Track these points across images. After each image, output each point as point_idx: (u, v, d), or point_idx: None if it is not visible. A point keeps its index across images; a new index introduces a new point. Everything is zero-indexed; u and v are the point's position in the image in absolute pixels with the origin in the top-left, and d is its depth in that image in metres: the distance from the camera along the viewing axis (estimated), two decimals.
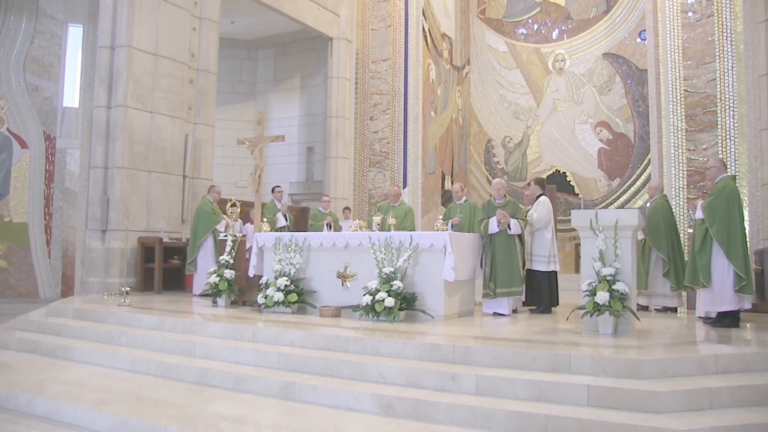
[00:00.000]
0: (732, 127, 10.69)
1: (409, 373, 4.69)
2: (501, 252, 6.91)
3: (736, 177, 6.65)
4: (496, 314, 6.98)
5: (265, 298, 7.15)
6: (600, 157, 14.84)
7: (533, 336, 5.58)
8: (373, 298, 6.38)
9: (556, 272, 7.45)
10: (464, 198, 8.34)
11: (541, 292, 7.33)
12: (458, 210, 8.09)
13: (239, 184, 14.23)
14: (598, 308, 5.36)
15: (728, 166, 10.63)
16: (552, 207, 7.46)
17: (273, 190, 9.84)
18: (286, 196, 14.34)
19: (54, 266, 12.14)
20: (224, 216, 8.99)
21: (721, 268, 5.90)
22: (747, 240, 6.11)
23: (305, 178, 14.63)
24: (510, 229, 6.89)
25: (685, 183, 10.89)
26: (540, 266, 7.27)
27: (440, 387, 4.52)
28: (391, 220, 7.32)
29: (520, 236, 7.01)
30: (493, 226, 6.91)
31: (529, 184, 8.17)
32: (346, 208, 12.16)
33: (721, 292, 5.92)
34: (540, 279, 7.34)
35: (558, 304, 7.55)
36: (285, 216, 9.42)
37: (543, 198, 7.46)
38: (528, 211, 7.43)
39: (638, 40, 14.22)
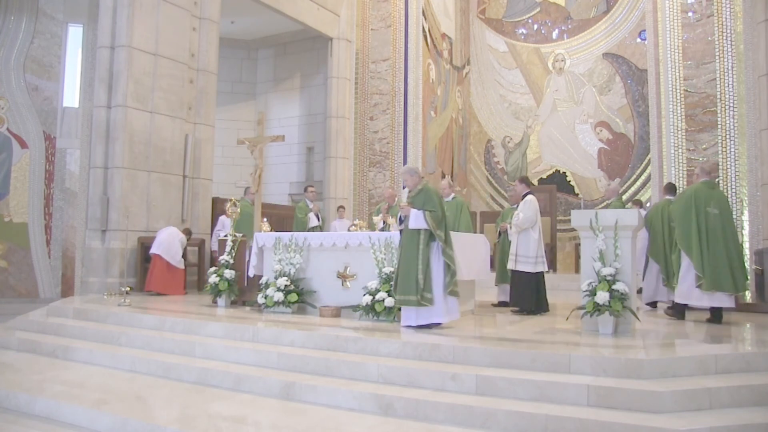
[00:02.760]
0: (732, 127, 10.70)
1: (409, 373, 4.69)
2: (403, 251, 5.99)
3: (713, 182, 6.89)
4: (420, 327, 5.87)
5: (265, 298, 7.15)
6: (600, 157, 14.85)
7: (533, 336, 5.58)
8: (373, 298, 6.38)
9: (543, 273, 7.26)
10: (452, 195, 8.19)
11: (526, 293, 7.16)
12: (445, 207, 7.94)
13: (239, 184, 14.22)
14: (598, 308, 5.37)
15: (728, 166, 10.65)
16: (538, 206, 7.26)
17: (306, 190, 9.94)
18: (286, 196, 14.38)
19: (54, 266, 12.13)
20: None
21: (686, 266, 6.47)
22: (727, 238, 6.34)
23: (305, 178, 14.62)
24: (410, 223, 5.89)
25: (685, 183, 10.88)
26: (526, 267, 7.08)
27: (440, 387, 4.52)
28: (391, 220, 7.32)
29: (431, 233, 5.81)
30: (398, 222, 6.18)
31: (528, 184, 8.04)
32: (340, 206, 12.08)
33: (683, 286, 6.51)
34: (525, 280, 7.14)
35: (547, 302, 7.36)
36: (317, 216, 9.53)
37: (530, 197, 7.24)
38: (515, 210, 7.34)
39: (638, 40, 14.24)
